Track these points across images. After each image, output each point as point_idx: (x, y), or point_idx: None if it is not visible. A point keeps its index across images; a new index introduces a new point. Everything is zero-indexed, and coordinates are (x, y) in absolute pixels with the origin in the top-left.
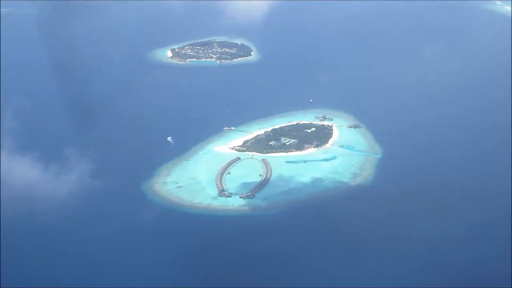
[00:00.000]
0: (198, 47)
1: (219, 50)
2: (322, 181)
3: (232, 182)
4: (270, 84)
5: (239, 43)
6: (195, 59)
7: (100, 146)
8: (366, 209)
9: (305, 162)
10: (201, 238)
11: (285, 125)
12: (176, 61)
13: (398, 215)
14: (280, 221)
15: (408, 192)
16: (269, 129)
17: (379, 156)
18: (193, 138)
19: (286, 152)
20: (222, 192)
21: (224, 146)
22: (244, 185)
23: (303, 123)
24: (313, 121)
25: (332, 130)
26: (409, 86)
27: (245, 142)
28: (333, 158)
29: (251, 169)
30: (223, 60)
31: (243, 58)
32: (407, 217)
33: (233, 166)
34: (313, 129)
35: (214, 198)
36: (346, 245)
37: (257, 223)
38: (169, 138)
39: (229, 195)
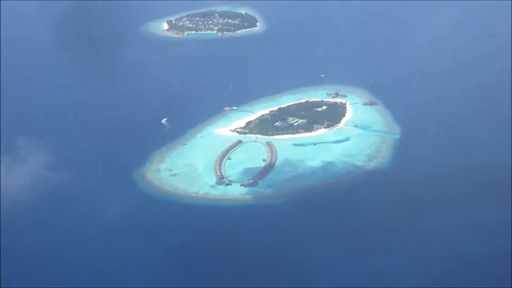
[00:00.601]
0: (198, 18)
1: (221, 21)
2: (333, 166)
3: (232, 168)
4: (277, 58)
5: (243, 12)
6: (194, 32)
7: (86, 129)
8: (382, 197)
9: (314, 144)
10: (197, 232)
11: (293, 103)
12: (173, 34)
13: (417, 204)
14: (285, 212)
15: (429, 177)
16: (275, 108)
17: (398, 136)
18: (190, 120)
19: (294, 133)
20: (221, 180)
21: (225, 128)
22: (246, 171)
23: (313, 101)
24: (325, 98)
25: (345, 108)
26: (431, 58)
27: (248, 123)
28: (346, 139)
29: (254, 153)
30: (225, 32)
31: (247, 29)
32: (428, 206)
33: (234, 150)
34: (324, 107)
35: (212, 186)
36: (360, 240)
37: (259, 214)
38: (163, 120)
39: (229, 183)
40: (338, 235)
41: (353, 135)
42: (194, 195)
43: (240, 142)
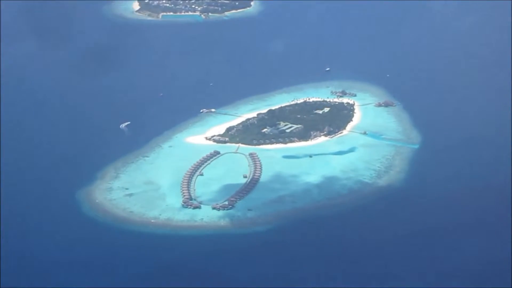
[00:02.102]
0: None
1: (206, 0)
2: (332, 184)
3: (204, 186)
4: (273, 47)
5: None
6: (171, 13)
7: (21, 133)
8: (391, 226)
9: (310, 156)
10: (154, 269)
11: (287, 104)
12: (144, 16)
13: (435, 236)
14: (268, 243)
15: (452, 199)
16: (264, 110)
17: (416, 146)
18: (157, 125)
19: (285, 143)
20: (188, 202)
21: (199, 135)
22: (222, 190)
23: (313, 101)
24: (328, 98)
25: (353, 110)
26: (461, 51)
27: (229, 129)
28: (351, 150)
29: (233, 167)
30: (210, 14)
31: (239, 10)
32: (449, 235)
33: (209, 163)
34: (327, 109)
35: (177, 210)
36: (360, 280)
37: (235, 245)
38: (123, 125)
39: (198, 206)
40: (334, 274)
41: (360, 144)
42: (153, 221)
43: (217, 153)
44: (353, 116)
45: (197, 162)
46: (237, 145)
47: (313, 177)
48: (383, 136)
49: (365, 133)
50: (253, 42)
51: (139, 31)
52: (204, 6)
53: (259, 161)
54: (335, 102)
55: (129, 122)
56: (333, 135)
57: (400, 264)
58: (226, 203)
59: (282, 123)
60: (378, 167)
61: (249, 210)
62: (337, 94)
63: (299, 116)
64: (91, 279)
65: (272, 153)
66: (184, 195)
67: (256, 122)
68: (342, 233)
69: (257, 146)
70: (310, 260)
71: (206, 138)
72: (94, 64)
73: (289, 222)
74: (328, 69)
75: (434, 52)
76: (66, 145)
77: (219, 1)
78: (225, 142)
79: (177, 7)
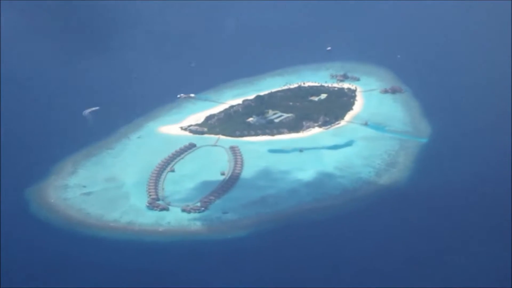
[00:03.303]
0: None
1: None
2: (323, 183)
3: (175, 184)
4: (265, 19)
5: None
6: None
7: None
8: (391, 231)
9: (300, 151)
10: (111, 280)
11: (278, 89)
12: None
13: (443, 237)
14: (245, 251)
15: (462, 202)
16: (252, 96)
17: (424, 140)
18: (126, 111)
19: (273, 134)
20: (154, 203)
21: (174, 125)
22: (194, 189)
23: (308, 86)
24: (327, 82)
25: (354, 97)
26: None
27: (209, 118)
28: (348, 144)
29: (210, 162)
30: None
31: None
32: (457, 239)
33: (182, 158)
34: (324, 96)
35: (140, 212)
36: None
37: (205, 254)
38: (86, 112)
39: (166, 207)
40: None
41: (359, 137)
42: (112, 224)
43: (192, 146)
44: (353, 104)
45: (169, 156)
46: (217, 136)
47: (302, 175)
48: (386, 128)
49: (366, 124)
50: (244, 16)
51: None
52: None
53: (240, 155)
54: (334, 87)
55: (97, 108)
56: (329, 126)
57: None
58: (199, 204)
59: (270, 112)
60: (378, 164)
61: (224, 213)
62: (338, 78)
63: (291, 103)
64: None
65: (256, 147)
66: (150, 195)
67: (240, 110)
68: (330, 242)
69: (240, 138)
70: (289, 273)
71: (182, 128)
72: (63, 41)
73: (270, 228)
74: (329, 48)
75: (455, 33)
76: (18, 133)
77: None
78: (203, 133)
79: None
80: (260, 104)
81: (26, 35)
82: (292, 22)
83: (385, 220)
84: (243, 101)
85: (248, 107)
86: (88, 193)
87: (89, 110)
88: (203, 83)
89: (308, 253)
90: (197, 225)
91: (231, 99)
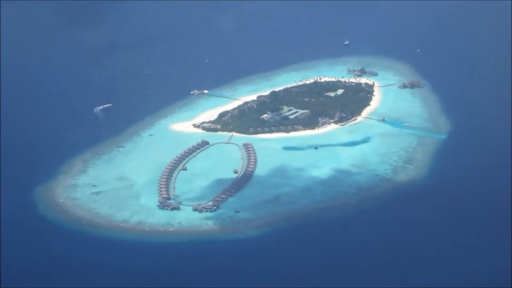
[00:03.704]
0: None
1: None
2: (339, 181)
3: (187, 183)
4: (280, 13)
5: None
6: None
7: None
8: (408, 229)
9: (315, 148)
10: (119, 281)
11: (294, 85)
12: None
13: (461, 234)
14: (258, 252)
15: (480, 200)
16: (266, 92)
17: (443, 136)
18: (138, 108)
19: (288, 131)
20: (165, 202)
21: (187, 122)
22: (206, 188)
23: (325, 82)
24: (344, 77)
25: (372, 92)
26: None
27: (222, 115)
28: (365, 140)
29: (223, 160)
30: None
31: None
32: (474, 237)
33: (194, 156)
34: (340, 91)
35: (151, 211)
36: None
37: (217, 255)
38: (97, 109)
39: (177, 207)
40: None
41: (376, 134)
42: (121, 224)
43: (205, 143)
44: (371, 99)
45: (181, 154)
46: (231, 133)
47: (317, 172)
48: (404, 124)
49: (383, 120)
50: (260, 10)
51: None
52: None
53: (254, 153)
54: (352, 82)
55: (110, 104)
56: (345, 122)
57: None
58: (210, 203)
59: (285, 108)
60: (395, 161)
61: (236, 212)
62: (355, 73)
63: (306, 99)
64: None
65: (271, 144)
66: (162, 194)
67: (255, 107)
68: (345, 241)
69: (253, 135)
70: (303, 273)
71: (194, 126)
72: (75, 38)
73: (284, 228)
74: (347, 42)
75: (476, 28)
76: (27, 132)
77: None
78: (216, 130)
79: None
80: (275, 100)
81: (37, 31)
82: (310, 16)
83: (401, 218)
84: (258, 97)
85: (263, 104)
86: (98, 193)
87: (101, 107)
88: (217, 79)
89: (322, 253)
90: (208, 225)
91: (245, 95)
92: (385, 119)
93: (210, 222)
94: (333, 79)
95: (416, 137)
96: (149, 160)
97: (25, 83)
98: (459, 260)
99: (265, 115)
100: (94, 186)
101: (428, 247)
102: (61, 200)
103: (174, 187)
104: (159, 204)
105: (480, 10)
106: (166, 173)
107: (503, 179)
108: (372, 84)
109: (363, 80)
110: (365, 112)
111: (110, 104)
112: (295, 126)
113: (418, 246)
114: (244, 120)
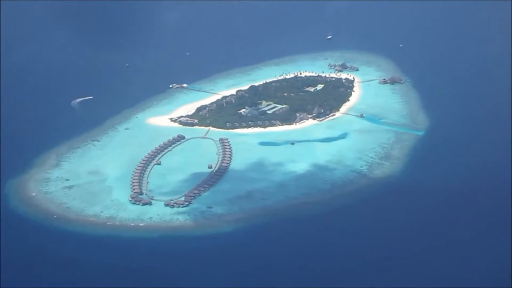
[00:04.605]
0: None
1: None
2: (313, 177)
3: (160, 178)
4: (264, 8)
5: None
6: None
7: None
8: (381, 227)
9: (292, 144)
10: (86, 278)
11: (274, 79)
12: None
13: (436, 234)
14: (229, 248)
15: (455, 197)
16: (246, 86)
17: (421, 133)
18: (116, 102)
19: (265, 126)
20: (137, 197)
21: (164, 116)
22: (180, 183)
23: (305, 76)
24: (324, 72)
25: (352, 88)
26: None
27: (200, 109)
28: (342, 136)
29: (198, 155)
30: None
31: None
32: (451, 237)
33: (169, 150)
34: (320, 86)
35: (122, 206)
36: None
37: (186, 251)
38: (75, 101)
39: (148, 202)
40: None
41: (354, 130)
42: (92, 219)
43: (181, 138)
44: (350, 95)
45: (156, 149)
46: (207, 128)
47: (292, 168)
48: (383, 120)
49: (362, 116)
50: (243, 4)
51: None
52: None
53: (229, 148)
54: (332, 77)
55: (91, 97)
56: (323, 118)
57: (387, 269)
58: (182, 199)
59: (264, 103)
60: (371, 157)
61: (208, 208)
62: (336, 68)
63: (286, 94)
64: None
65: (247, 139)
66: (134, 189)
67: (233, 101)
68: (316, 238)
69: (230, 130)
70: (275, 273)
71: (171, 120)
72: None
73: (255, 224)
74: (329, 36)
75: (459, 25)
76: (2, 123)
77: None
78: (193, 124)
79: None
80: (254, 95)
81: (17, 24)
82: (292, 9)
83: (375, 215)
84: (237, 91)
85: (242, 98)
86: (70, 187)
87: (80, 99)
88: (197, 72)
89: (291, 252)
90: (180, 220)
91: (224, 89)
92: (364, 115)
93: (181, 218)
94: (313, 74)
95: (393, 133)
96: (124, 154)
97: (3, 75)
98: (437, 259)
99: (243, 109)
100: (67, 180)
101: (406, 245)
102: (33, 194)
103: (147, 182)
104: (130, 199)
105: (465, 8)
106: (140, 168)
107: (480, 176)
108: (352, 79)
109: (344, 75)
110: (344, 108)
111: (91, 97)
112: (272, 121)
113: (397, 244)
114: (221, 114)
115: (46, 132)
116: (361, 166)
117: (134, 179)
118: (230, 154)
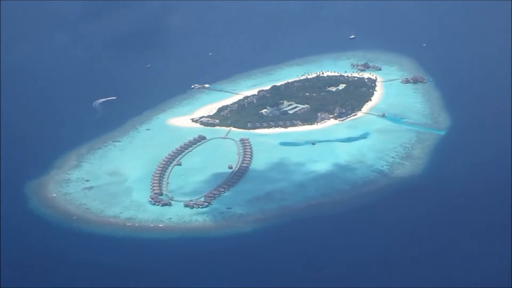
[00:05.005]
0: None
1: None
2: (333, 178)
3: (180, 179)
4: (287, 8)
5: None
6: None
7: None
8: (401, 228)
9: (313, 144)
10: (105, 279)
11: (296, 79)
12: None
13: (454, 234)
14: (248, 249)
15: (477, 198)
16: (267, 87)
17: (443, 132)
18: (138, 102)
19: (286, 126)
20: (156, 198)
21: (185, 116)
22: (199, 184)
23: (327, 76)
24: (347, 72)
25: (374, 87)
26: None
27: (221, 109)
28: (363, 136)
29: (218, 155)
30: None
31: None
32: (469, 237)
33: (190, 151)
34: (342, 86)
35: (141, 207)
36: None
37: (205, 253)
38: (96, 102)
39: (168, 202)
40: None
41: (375, 129)
42: (111, 220)
43: (202, 138)
44: (372, 94)
45: (177, 149)
46: (228, 128)
47: (312, 169)
48: (404, 120)
49: (383, 116)
50: (265, 3)
51: None
52: None
53: (250, 148)
54: (354, 77)
55: (114, 97)
56: (345, 117)
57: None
58: (202, 199)
59: (285, 103)
60: (392, 157)
61: (228, 208)
62: (358, 67)
63: (307, 94)
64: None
65: (268, 139)
66: (154, 189)
67: (255, 101)
68: (335, 239)
69: (251, 130)
70: (293, 272)
71: (193, 120)
72: (75, 31)
73: (274, 225)
74: (352, 36)
75: (482, 24)
76: (22, 125)
77: None
78: (214, 125)
79: None
80: (275, 95)
81: (38, 26)
82: (316, 9)
83: (395, 215)
84: (258, 91)
85: (263, 98)
86: (90, 188)
87: (102, 100)
88: (219, 73)
89: (310, 252)
90: (199, 221)
91: (246, 89)
92: (385, 115)
93: (200, 218)
94: (336, 74)
95: (415, 133)
96: (144, 155)
97: (25, 77)
98: (456, 259)
99: (265, 110)
100: (87, 181)
101: (423, 246)
102: (53, 195)
103: (167, 183)
104: (150, 199)
105: (488, 8)
106: (160, 168)
107: (501, 176)
108: (375, 79)
109: (366, 75)
110: (366, 108)
111: (115, 97)
112: (294, 121)
113: (413, 244)
114: (242, 115)
115: (67, 133)
116: (382, 166)
117: (154, 180)
118: (250, 155)
